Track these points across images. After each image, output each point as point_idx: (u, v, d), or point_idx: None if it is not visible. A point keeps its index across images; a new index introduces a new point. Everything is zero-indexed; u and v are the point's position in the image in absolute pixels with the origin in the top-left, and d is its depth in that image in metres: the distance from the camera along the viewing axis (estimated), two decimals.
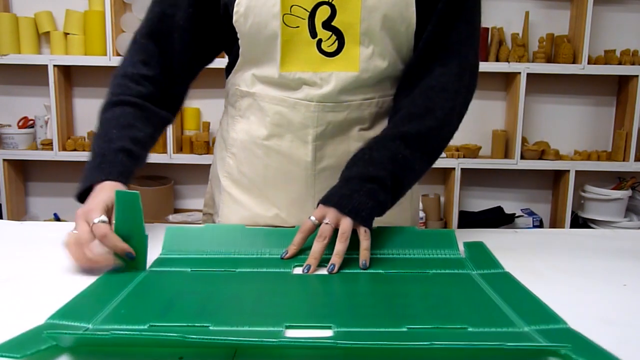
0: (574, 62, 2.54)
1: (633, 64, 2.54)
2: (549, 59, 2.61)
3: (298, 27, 0.81)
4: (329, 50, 0.83)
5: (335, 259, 0.72)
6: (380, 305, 0.61)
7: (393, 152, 0.80)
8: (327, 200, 0.77)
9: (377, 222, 0.83)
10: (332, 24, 0.81)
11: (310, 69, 0.83)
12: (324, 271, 0.72)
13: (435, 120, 0.83)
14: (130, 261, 0.70)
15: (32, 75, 2.66)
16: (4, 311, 0.60)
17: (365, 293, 0.65)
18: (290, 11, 0.80)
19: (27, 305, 0.61)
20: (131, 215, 0.72)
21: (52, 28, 2.59)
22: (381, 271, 0.72)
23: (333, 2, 0.80)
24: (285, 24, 0.81)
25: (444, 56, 0.84)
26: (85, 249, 0.68)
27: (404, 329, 0.54)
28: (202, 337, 0.46)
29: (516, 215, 2.71)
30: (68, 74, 2.67)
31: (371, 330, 0.54)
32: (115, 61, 2.50)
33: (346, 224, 0.74)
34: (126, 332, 0.48)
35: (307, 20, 0.81)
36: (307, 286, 0.67)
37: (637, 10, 2.67)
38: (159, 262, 0.74)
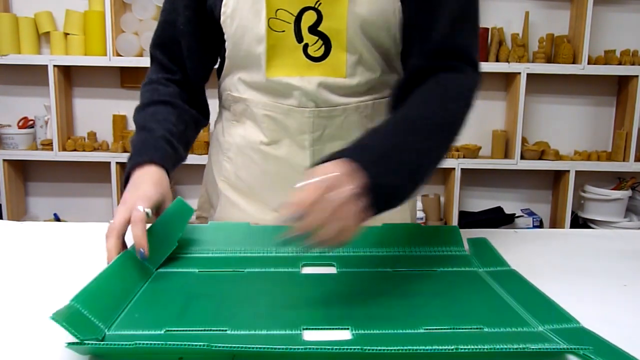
0: (574, 62, 2.54)
1: (633, 64, 2.54)
2: (549, 59, 2.61)
3: (284, 31, 0.80)
4: (315, 55, 0.81)
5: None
6: (395, 305, 0.61)
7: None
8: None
9: (380, 219, 0.83)
10: (319, 29, 0.80)
11: (297, 74, 0.82)
12: (332, 270, 0.72)
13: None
14: (139, 258, 0.69)
15: (32, 75, 2.66)
16: (3, 311, 0.60)
17: (378, 292, 0.65)
18: (276, 15, 0.79)
19: (26, 305, 0.61)
20: (175, 224, 0.74)
21: (52, 28, 2.59)
22: (389, 269, 0.72)
23: (319, 8, 0.78)
24: (271, 28, 0.80)
25: (454, 62, 0.78)
26: (111, 237, 0.68)
27: (422, 330, 0.54)
28: (227, 345, 0.46)
29: (516, 215, 2.71)
30: (68, 74, 2.67)
31: (389, 332, 0.54)
32: (115, 61, 2.50)
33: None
34: (149, 343, 0.47)
35: (292, 25, 0.80)
36: (318, 287, 0.66)
37: (637, 10, 2.67)
38: (165, 262, 0.74)
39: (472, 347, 0.48)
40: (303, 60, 0.81)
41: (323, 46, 0.81)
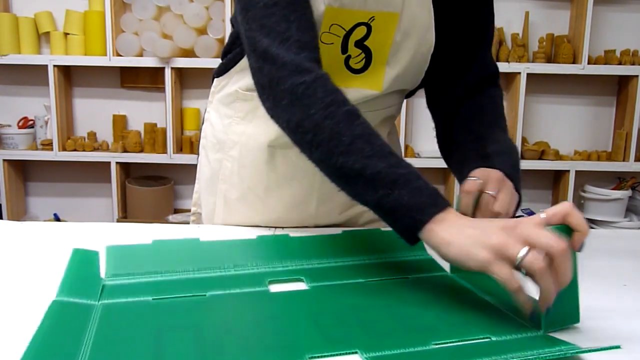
0: (574, 62, 2.54)
1: (633, 64, 2.54)
2: (549, 59, 2.61)
3: (332, 43, 0.80)
4: (355, 67, 0.82)
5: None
6: (388, 319, 0.58)
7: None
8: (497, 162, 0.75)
9: (371, 213, 0.82)
10: (365, 43, 0.80)
11: (335, 83, 0.82)
12: (302, 286, 0.68)
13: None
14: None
15: (32, 75, 2.66)
16: (3, 311, 0.60)
17: (365, 306, 0.61)
18: (329, 30, 0.78)
19: (26, 305, 0.61)
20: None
21: (52, 28, 2.59)
22: (361, 280, 0.68)
23: (371, 23, 0.79)
24: (322, 42, 0.79)
25: (485, 74, 0.90)
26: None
27: (432, 347, 0.52)
28: None
29: (516, 215, 2.70)
30: (68, 74, 2.67)
31: (400, 352, 0.51)
32: (115, 61, 2.50)
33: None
34: None
35: (341, 38, 0.79)
36: (298, 306, 0.61)
37: (637, 10, 2.67)
38: (107, 291, 0.63)
39: (499, 358, 0.48)
40: (343, 71, 0.81)
41: (364, 59, 0.81)
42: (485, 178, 0.71)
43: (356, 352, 0.51)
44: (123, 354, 0.50)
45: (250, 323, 0.58)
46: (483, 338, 0.54)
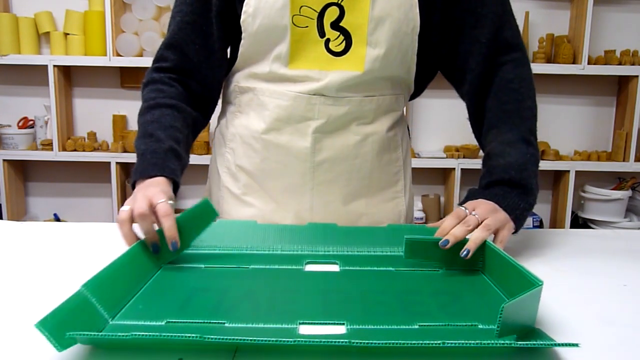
0: (574, 63, 2.54)
1: (633, 64, 2.54)
2: (549, 59, 2.61)
3: (307, 27, 0.82)
4: (336, 50, 0.83)
5: (471, 244, 0.71)
6: (392, 302, 0.61)
7: (522, 153, 0.83)
8: (477, 195, 0.81)
9: (371, 216, 0.82)
10: (341, 24, 0.82)
11: (317, 67, 0.84)
12: (335, 268, 0.73)
13: (529, 110, 0.87)
14: (159, 252, 0.72)
15: (32, 75, 2.66)
16: (3, 311, 0.60)
17: (377, 290, 0.65)
18: (300, 12, 0.81)
19: (26, 305, 0.61)
20: (196, 224, 0.76)
21: (52, 28, 2.59)
22: (391, 269, 0.72)
23: (342, 3, 0.81)
24: (295, 25, 0.81)
25: (508, 50, 0.88)
26: (127, 223, 0.71)
27: (416, 327, 0.55)
28: (218, 336, 0.47)
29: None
30: (68, 74, 2.67)
31: (383, 328, 0.54)
32: (115, 61, 2.51)
33: (495, 220, 0.75)
34: (144, 334, 0.48)
35: (315, 21, 0.82)
36: (319, 283, 0.67)
37: (637, 10, 2.67)
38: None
39: (460, 342, 0.48)
40: (324, 54, 0.84)
41: (344, 41, 0.83)
42: (474, 205, 0.78)
43: (343, 324, 0.55)
44: (157, 305, 0.60)
45: (268, 292, 0.64)
46: (470, 324, 0.55)
